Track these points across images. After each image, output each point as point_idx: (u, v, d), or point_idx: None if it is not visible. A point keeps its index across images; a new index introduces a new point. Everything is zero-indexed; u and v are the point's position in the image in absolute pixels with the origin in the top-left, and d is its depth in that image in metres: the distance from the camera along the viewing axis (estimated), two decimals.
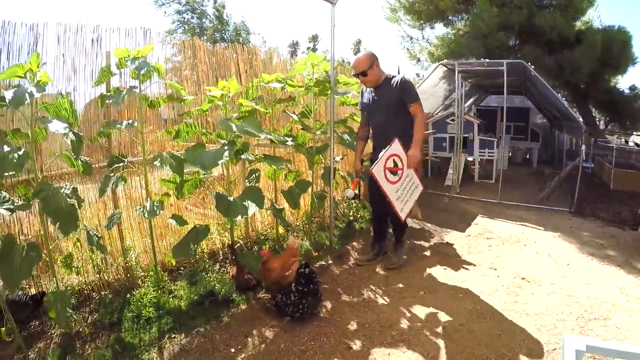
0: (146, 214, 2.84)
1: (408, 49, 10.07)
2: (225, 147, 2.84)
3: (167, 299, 3.00)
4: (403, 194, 3.13)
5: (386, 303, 2.97)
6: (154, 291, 3.06)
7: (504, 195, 5.72)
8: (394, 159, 3.08)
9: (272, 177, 3.83)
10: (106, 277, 3.22)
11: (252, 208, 2.69)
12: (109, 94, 2.93)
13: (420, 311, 2.88)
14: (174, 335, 2.66)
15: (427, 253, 3.83)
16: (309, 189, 3.89)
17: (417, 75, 6.39)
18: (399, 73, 3.63)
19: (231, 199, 2.83)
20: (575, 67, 8.70)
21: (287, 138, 3.31)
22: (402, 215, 3.12)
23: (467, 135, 6.47)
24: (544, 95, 6.81)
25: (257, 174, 3.40)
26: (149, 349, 2.53)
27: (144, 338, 2.63)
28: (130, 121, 2.98)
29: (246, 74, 4.05)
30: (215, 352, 2.47)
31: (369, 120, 3.61)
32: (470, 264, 3.71)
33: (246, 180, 3.46)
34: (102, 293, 3.10)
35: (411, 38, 10.14)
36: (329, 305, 2.95)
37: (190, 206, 4.14)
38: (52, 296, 2.47)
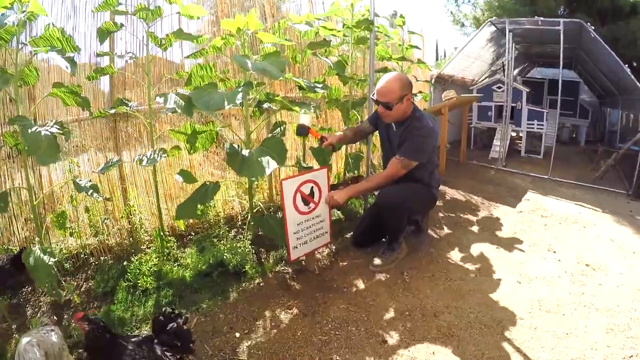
0: (145, 162, 2.25)
1: (452, 13, 8.99)
2: (239, 89, 2.19)
3: (170, 267, 2.45)
4: (305, 233, 2.29)
5: (431, 285, 2.30)
6: (156, 258, 2.50)
7: (554, 172, 4.85)
8: (312, 187, 2.29)
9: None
10: (107, 241, 2.70)
11: (272, 165, 2.05)
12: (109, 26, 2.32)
13: (472, 298, 2.19)
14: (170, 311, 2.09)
15: (475, 228, 3.10)
16: (342, 148, 3.22)
17: (455, 48, 5.51)
18: (437, 58, 2.84)
19: (246, 152, 2.19)
20: (631, 40, 7.51)
21: (317, 84, 2.61)
22: (292, 254, 2.25)
23: (514, 104, 5.56)
24: (601, 63, 5.76)
25: (282, 127, 2.74)
26: (139, 326, 2.01)
27: (137, 312, 2.11)
28: (130, 54, 2.39)
29: (273, 18, 3.35)
30: (216, 336, 1.89)
31: (381, 148, 2.84)
32: (525, 243, 2.96)
33: (269, 135, 2.82)
34: (102, 258, 2.59)
35: (456, 0, 9.03)
36: (360, 284, 2.30)
37: (214, 170, 3.51)
38: (28, 255, 1.93)
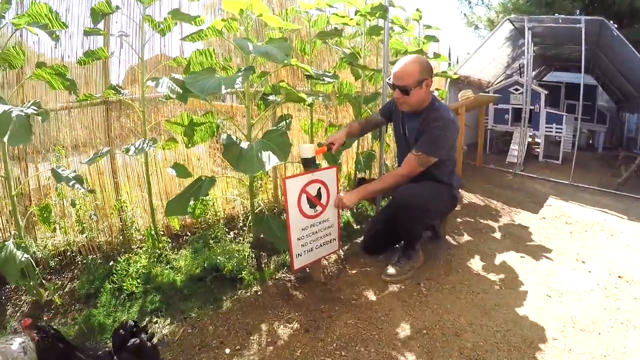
0: (132, 152, 1.98)
1: (465, 15, 8.63)
2: (239, 74, 1.92)
3: (161, 270, 2.18)
4: (310, 239, 2.00)
5: (451, 299, 1.98)
6: (146, 259, 2.23)
7: (575, 178, 4.50)
8: (319, 188, 2.00)
9: (309, 130, 2.87)
10: (96, 238, 2.44)
11: (273, 160, 1.76)
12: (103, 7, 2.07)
13: (498, 314, 1.87)
14: (156, 319, 1.85)
15: (497, 235, 2.77)
16: (353, 145, 2.93)
17: (468, 53, 5.18)
18: (450, 64, 2.53)
19: (245, 145, 1.91)
20: None
21: (326, 73, 2.33)
22: (295, 262, 1.95)
23: (531, 107, 5.21)
24: (621, 63, 5.39)
25: (288, 121, 2.46)
26: None
27: (119, 318, 1.84)
28: (122, 31, 2.14)
29: (280, 7, 3.08)
30: (203, 351, 1.62)
31: (396, 143, 2.48)
32: (551, 252, 2.63)
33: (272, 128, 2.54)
34: (90, 257, 2.32)
35: (470, 2, 8.66)
36: (371, 296, 1.99)
37: (215, 167, 3.23)
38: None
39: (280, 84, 2.00)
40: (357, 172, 3.12)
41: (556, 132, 5.39)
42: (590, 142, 8.08)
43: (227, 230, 2.60)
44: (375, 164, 3.00)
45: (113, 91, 2.15)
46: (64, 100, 2.39)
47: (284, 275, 2.13)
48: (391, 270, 2.15)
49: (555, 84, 7.42)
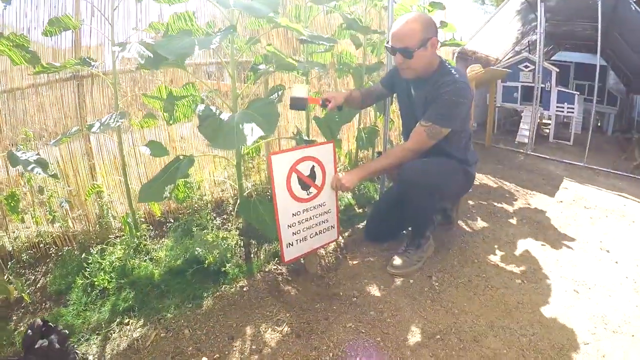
0: (96, 128, 1.66)
1: None
2: (218, 33, 1.58)
3: (139, 262, 1.87)
4: (303, 226, 1.68)
5: (468, 296, 1.66)
6: (122, 250, 1.93)
7: (589, 160, 4.14)
8: (313, 166, 1.66)
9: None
10: (71, 228, 2.14)
11: (256, 132, 1.42)
12: None
13: (521, 314, 1.56)
14: (127, 320, 1.55)
15: (513, 220, 2.44)
16: (354, 120, 2.59)
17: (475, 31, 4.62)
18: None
19: (225, 116, 1.58)
20: None
21: (322, 36, 1.97)
22: (286, 253, 1.65)
23: (542, 85, 4.80)
24: (638, 41, 4.96)
25: (280, 93, 2.12)
26: (88, 338, 1.47)
27: (89, 318, 1.57)
28: None
29: None
30: None
31: (401, 115, 2.09)
32: (573, 240, 2.30)
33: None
34: (65, 249, 2.03)
35: None
36: (374, 292, 1.68)
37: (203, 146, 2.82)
38: None
39: (267, 47, 1.65)
40: (359, 150, 2.78)
41: (568, 111, 5.00)
42: (599, 124, 7.67)
43: (215, 215, 2.30)
44: (380, 142, 2.66)
45: (76, 61, 1.82)
46: (31, 77, 2.07)
47: (274, 267, 1.81)
48: (397, 261, 1.82)
49: (565, 64, 6.98)
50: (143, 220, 2.22)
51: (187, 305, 1.59)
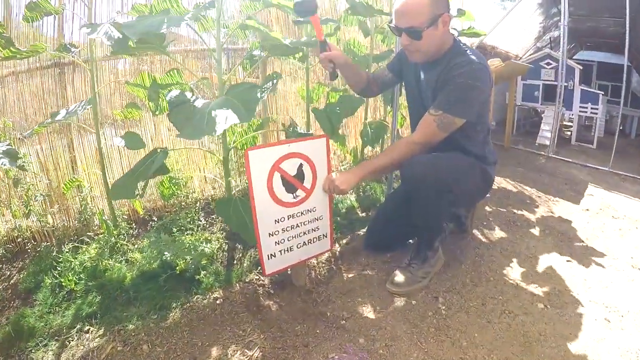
0: (61, 116, 1.43)
1: None
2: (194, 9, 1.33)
3: (113, 262, 1.64)
4: (289, 235, 1.39)
5: (480, 323, 1.35)
6: (96, 249, 1.71)
7: (614, 165, 3.73)
8: (301, 164, 1.36)
9: (309, 97, 2.21)
10: (50, 223, 1.94)
11: (230, 120, 1.16)
12: None
13: (544, 349, 1.26)
14: (88, 327, 1.33)
15: (535, 230, 2.10)
16: (360, 113, 2.30)
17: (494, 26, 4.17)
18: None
19: (200, 102, 1.32)
20: None
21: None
22: (267, 266, 1.36)
23: (565, 84, 4.38)
24: None
25: (275, 81, 1.84)
26: (47, 344, 1.28)
27: (52, 322, 1.37)
28: None
29: None
30: None
31: (408, 104, 1.73)
32: (602, 255, 1.96)
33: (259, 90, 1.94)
34: (43, 244, 1.84)
35: None
36: (368, 313, 1.39)
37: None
38: None
39: (247, 20, 1.37)
40: (364, 146, 2.47)
41: (591, 112, 4.57)
42: (621, 128, 7.12)
43: (204, 215, 2.05)
44: (389, 139, 2.35)
45: (46, 45, 1.58)
46: (11, 64, 1.88)
47: (257, 277, 1.54)
48: (399, 277, 1.51)
49: (587, 63, 6.48)
50: (126, 217, 2.00)
51: (152, 316, 1.36)
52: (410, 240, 1.79)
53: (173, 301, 1.42)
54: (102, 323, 1.35)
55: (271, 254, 1.35)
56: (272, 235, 1.34)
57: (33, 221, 1.92)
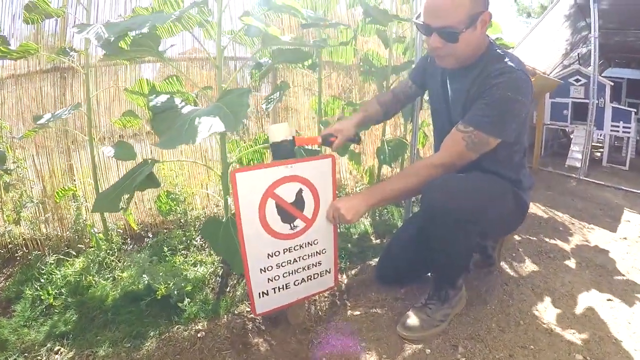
0: (45, 119, 1.29)
1: (517, 2, 7.21)
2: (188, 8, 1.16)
3: (98, 279, 1.47)
4: (285, 271, 1.16)
5: None
6: (82, 264, 1.55)
7: None
8: (300, 189, 1.12)
9: (320, 111, 2.01)
10: (41, 231, 1.80)
11: (215, 127, 0.96)
12: None
13: None
14: (58, 348, 1.18)
15: (571, 263, 1.79)
16: (379, 129, 2.09)
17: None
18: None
19: (187, 109, 1.14)
20: None
21: (327, 18, 1.49)
22: (257, 304, 1.13)
23: (595, 101, 4.03)
24: None
25: (280, 93, 1.65)
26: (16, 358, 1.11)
27: (25, 337, 1.23)
28: None
29: None
30: None
31: (432, 120, 1.46)
32: None
33: (265, 101, 1.75)
34: (34, 253, 1.70)
35: None
36: None
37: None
38: None
39: (242, 18, 1.18)
40: (382, 166, 2.23)
41: (623, 131, 4.19)
42: None
43: (196, 233, 1.85)
44: (408, 159, 2.10)
45: (37, 46, 1.45)
46: (12, 67, 1.80)
47: (248, 308, 1.32)
48: (413, 319, 1.23)
49: (616, 80, 6.07)
50: (121, 231, 1.84)
51: (126, 344, 1.17)
52: (429, 274, 1.49)
53: (151, 329, 1.22)
54: (73, 345, 1.19)
55: (263, 292, 1.13)
56: (265, 271, 1.11)
57: (20, 228, 1.79)
